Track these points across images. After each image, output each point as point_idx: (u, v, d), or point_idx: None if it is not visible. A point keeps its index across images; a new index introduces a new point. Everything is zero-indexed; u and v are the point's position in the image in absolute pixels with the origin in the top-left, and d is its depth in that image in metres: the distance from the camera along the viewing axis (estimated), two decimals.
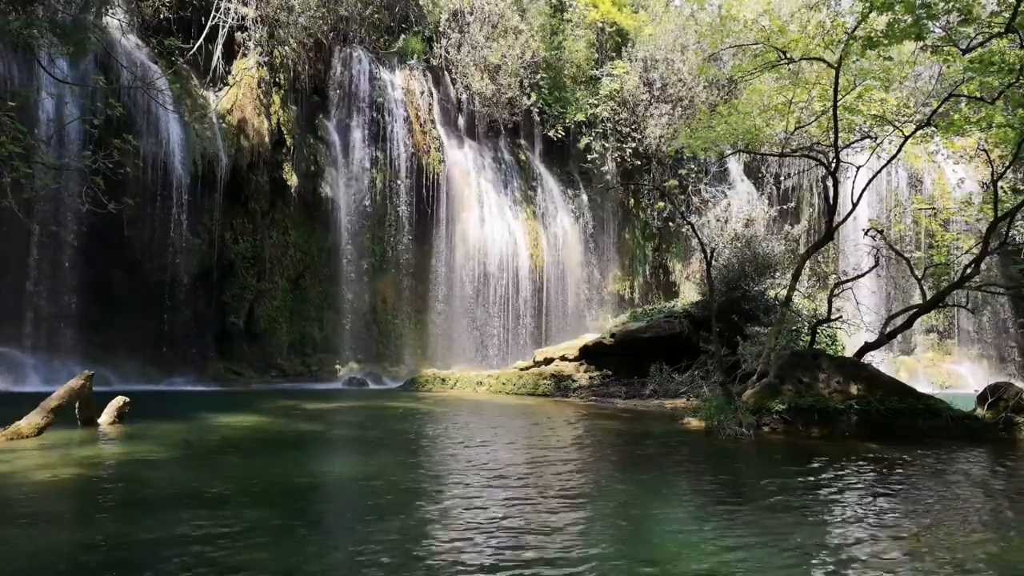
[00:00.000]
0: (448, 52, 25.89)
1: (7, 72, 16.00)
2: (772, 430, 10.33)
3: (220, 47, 20.35)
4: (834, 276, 21.09)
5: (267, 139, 20.85)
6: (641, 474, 7.44)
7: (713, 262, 13.82)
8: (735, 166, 30.85)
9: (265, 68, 21.05)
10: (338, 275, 22.59)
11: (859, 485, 6.91)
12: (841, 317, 13.79)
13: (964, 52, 11.08)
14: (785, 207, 29.63)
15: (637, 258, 29.83)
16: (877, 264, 14.01)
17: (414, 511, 5.51)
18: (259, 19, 20.88)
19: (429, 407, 13.96)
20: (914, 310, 13.21)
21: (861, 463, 8.09)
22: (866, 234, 14.00)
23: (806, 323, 14.85)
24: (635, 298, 29.08)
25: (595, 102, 28.24)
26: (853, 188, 13.75)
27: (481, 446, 9.04)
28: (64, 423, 8.89)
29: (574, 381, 17.47)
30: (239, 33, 20.70)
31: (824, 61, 12.78)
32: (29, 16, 12.32)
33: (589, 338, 19.20)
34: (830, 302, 13.45)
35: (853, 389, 10.64)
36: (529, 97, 26.83)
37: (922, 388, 12.30)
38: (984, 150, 13.48)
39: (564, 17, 29.08)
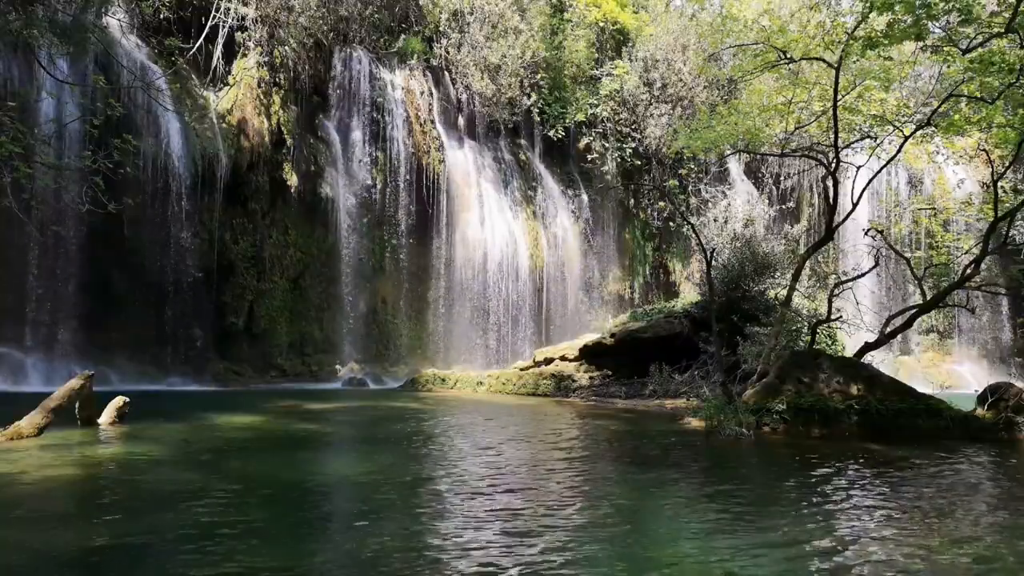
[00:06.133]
0: (448, 52, 25.88)
1: (7, 72, 16.00)
2: (772, 430, 10.33)
3: (220, 47, 20.34)
4: (834, 276, 21.07)
5: (267, 139, 20.84)
6: (641, 474, 7.44)
7: (713, 262, 13.83)
8: (735, 166, 30.83)
9: (265, 68, 21.04)
10: (338, 275, 22.56)
11: (859, 485, 6.91)
12: (841, 317, 13.79)
13: (964, 52, 11.09)
14: (785, 207, 29.61)
15: (637, 258, 29.81)
16: (877, 264, 14.01)
17: (414, 510, 5.51)
18: (259, 19, 20.87)
19: (429, 407, 13.96)
20: (914, 310, 13.22)
21: (861, 463, 8.10)
22: (866, 234, 14.03)
23: (806, 323, 14.84)
24: (635, 298, 29.06)
25: (595, 102, 28.22)
26: (853, 188, 13.76)
27: (481, 446, 9.04)
28: (64, 423, 8.89)
29: (574, 381, 17.46)
30: (239, 33, 20.69)
31: (824, 61, 12.80)
32: (29, 16, 12.30)
33: (589, 338, 19.18)
34: (830, 302, 13.45)
35: (853, 389, 10.65)
36: (529, 97, 26.81)
37: (922, 388, 12.30)
38: (984, 150, 13.50)
39: (564, 17, 29.05)
